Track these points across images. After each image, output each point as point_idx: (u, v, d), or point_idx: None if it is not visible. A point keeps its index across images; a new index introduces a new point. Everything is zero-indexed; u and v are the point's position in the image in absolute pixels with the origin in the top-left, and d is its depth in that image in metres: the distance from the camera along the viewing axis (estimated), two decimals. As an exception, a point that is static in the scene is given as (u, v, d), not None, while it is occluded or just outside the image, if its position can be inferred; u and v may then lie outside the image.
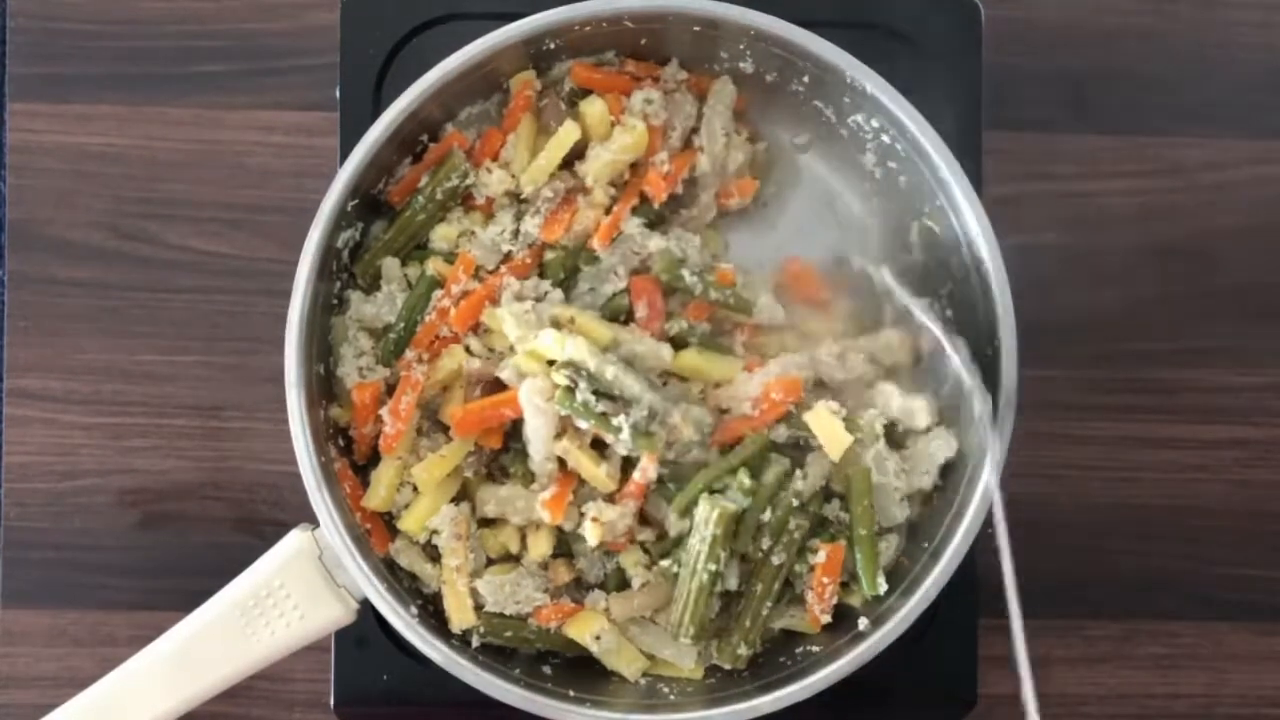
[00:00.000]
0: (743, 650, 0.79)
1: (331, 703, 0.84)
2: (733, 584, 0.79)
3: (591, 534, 0.77)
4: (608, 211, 0.81)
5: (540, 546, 0.79)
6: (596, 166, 0.80)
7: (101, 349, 0.89)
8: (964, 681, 0.86)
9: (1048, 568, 0.90)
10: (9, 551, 0.89)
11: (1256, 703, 0.92)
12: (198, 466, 0.89)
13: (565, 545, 0.81)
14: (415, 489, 0.79)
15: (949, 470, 0.81)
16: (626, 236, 0.81)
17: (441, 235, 0.80)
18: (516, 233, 0.80)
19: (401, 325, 0.79)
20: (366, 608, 0.77)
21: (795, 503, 0.78)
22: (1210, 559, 0.92)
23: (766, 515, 0.78)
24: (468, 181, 0.80)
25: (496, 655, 0.79)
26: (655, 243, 0.80)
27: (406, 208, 0.80)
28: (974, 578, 0.84)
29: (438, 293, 0.79)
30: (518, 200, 0.82)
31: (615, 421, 0.75)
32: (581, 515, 0.78)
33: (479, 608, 0.79)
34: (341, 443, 0.80)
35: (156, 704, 0.75)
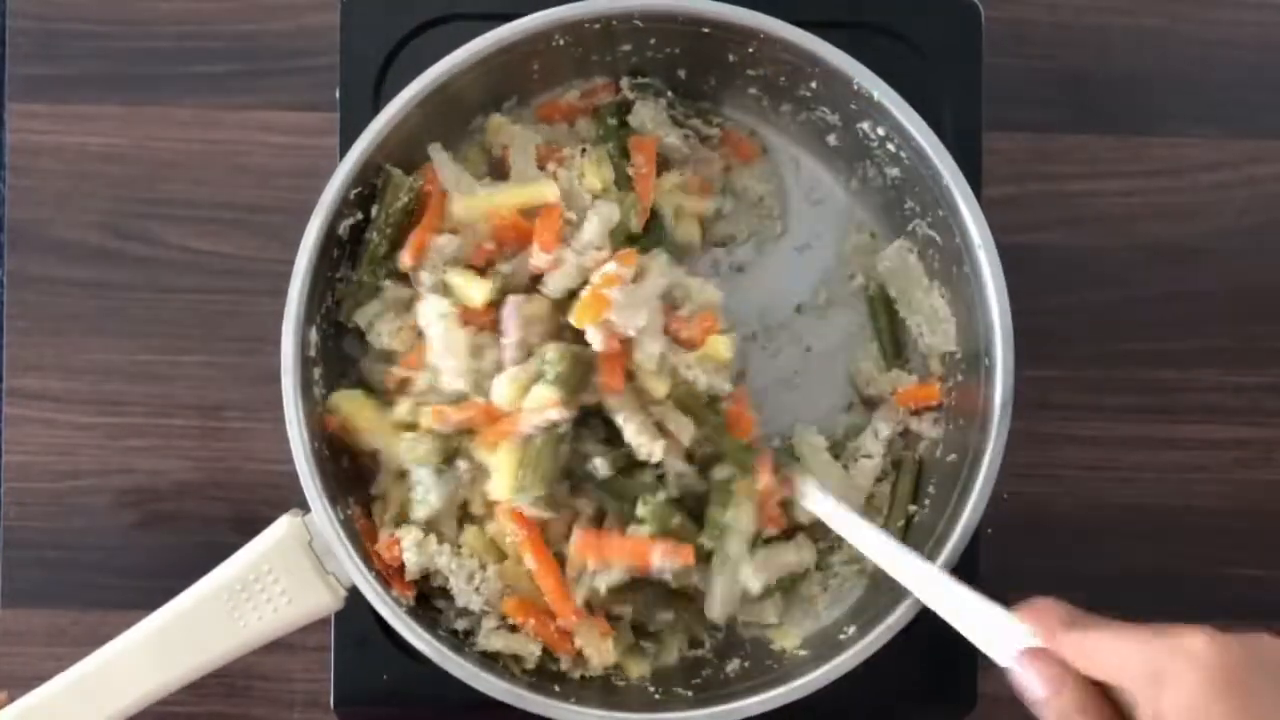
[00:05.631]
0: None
1: (331, 702, 0.84)
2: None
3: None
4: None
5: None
6: None
7: (101, 349, 0.89)
8: (964, 681, 0.86)
9: (1048, 567, 0.90)
10: (9, 551, 0.89)
11: (1256, 703, 0.92)
12: (198, 466, 0.89)
13: None
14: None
15: (943, 474, 0.81)
16: None
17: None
18: None
19: None
20: (363, 605, 0.76)
21: None
22: (1210, 559, 0.92)
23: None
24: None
25: (486, 653, 0.79)
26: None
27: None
28: (974, 578, 0.84)
29: None
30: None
31: None
32: None
33: None
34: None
35: (143, 681, 0.75)
